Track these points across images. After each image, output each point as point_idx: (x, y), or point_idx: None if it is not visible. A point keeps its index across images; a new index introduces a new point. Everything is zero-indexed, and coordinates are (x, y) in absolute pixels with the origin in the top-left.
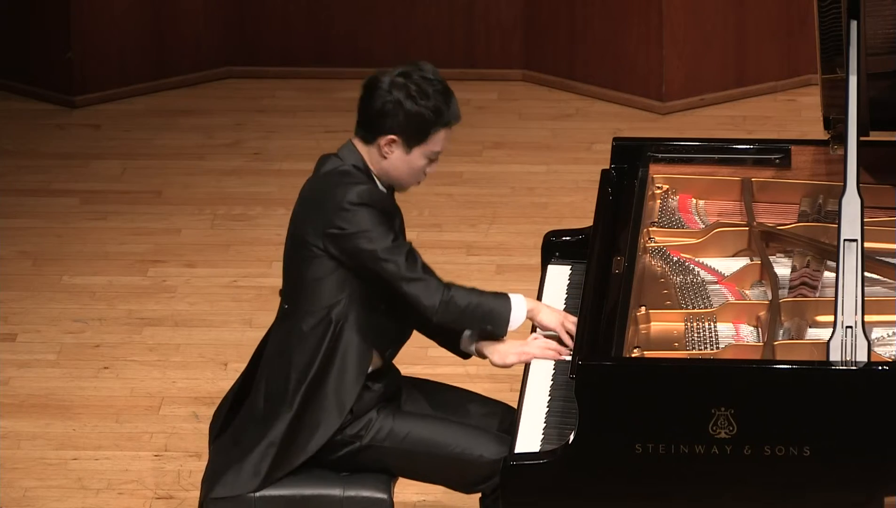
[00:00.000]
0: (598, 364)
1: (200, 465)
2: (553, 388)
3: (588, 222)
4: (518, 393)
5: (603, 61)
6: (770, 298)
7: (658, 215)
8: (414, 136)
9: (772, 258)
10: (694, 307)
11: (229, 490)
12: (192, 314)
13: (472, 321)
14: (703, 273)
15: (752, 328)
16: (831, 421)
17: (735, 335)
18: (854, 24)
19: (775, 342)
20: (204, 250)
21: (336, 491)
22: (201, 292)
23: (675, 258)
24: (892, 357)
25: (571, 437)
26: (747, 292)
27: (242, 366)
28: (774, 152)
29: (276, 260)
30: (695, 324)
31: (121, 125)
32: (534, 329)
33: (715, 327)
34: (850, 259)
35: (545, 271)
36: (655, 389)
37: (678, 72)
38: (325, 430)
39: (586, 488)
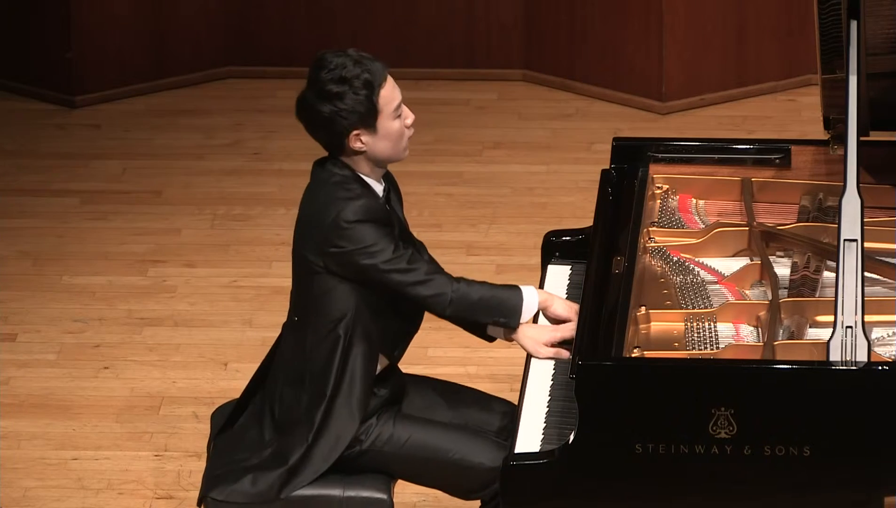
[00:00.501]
0: (598, 364)
1: (200, 465)
2: (553, 388)
3: (588, 222)
4: (518, 393)
5: (603, 61)
6: (770, 298)
7: (658, 215)
8: (367, 117)
9: (772, 258)
10: (694, 307)
11: (239, 497)
12: (192, 314)
13: (485, 314)
14: (703, 273)
15: (752, 328)
16: (831, 421)
17: (735, 335)
18: (854, 24)
19: (775, 342)
20: (204, 250)
21: (336, 491)
22: (201, 292)
23: (675, 258)
24: (892, 357)
25: (571, 437)
26: (747, 292)
27: (242, 366)
28: (774, 152)
29: (276, 260)
30: (695, 324)
31: (121, 125)
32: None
33: (715, 327)
34: (850, 259)
35: (545, 271)
36: (655, 389)
37: (678, 72)
38: (341, 443)
39: (586, 488)
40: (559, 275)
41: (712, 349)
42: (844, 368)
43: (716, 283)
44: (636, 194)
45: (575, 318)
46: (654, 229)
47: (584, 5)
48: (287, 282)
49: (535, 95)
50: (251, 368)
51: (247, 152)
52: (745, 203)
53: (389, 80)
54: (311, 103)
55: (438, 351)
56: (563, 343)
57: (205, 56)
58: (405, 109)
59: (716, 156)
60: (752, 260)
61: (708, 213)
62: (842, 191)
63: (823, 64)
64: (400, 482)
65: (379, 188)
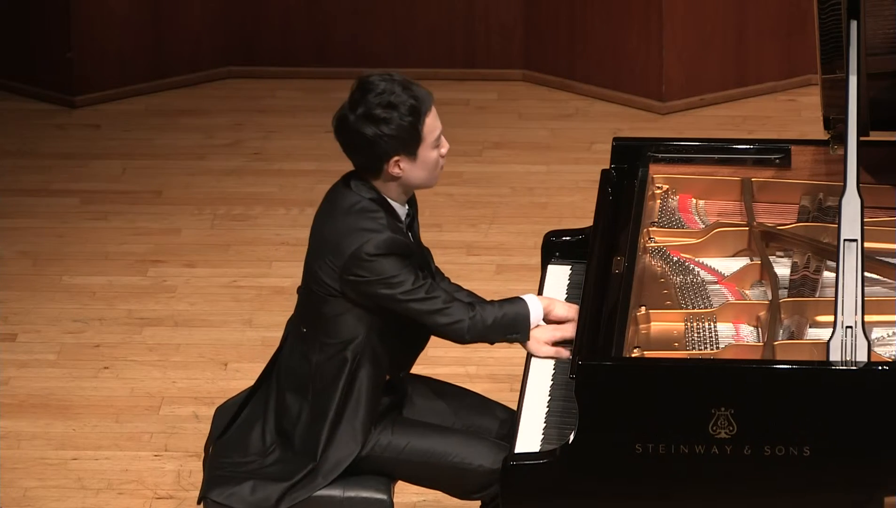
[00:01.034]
0: (598, 364)
1: (200, 465)
2: (553, 388)
3: (588, 222)
4: (518, 393)
5: (603, 61)
6: (770, 298)
7: (658, 215)
8: (410, 144)
9: (772, 258)
10: (694, 307)
11: (238, 503)
12: (192, 314)
13: (499, 333)
14: (703, 273)
15: (752, 328)
16: (831, 421)
17: (735, 335)
18: (854, 24)
19: (775, 342)
20: (204, 250)
21: (336, 492)
22: (201, 292)
23: (675, 258)
24: (892, 357)
25: (571, 437)
26: (747, 292)
27: (242, 366)
28: (774, 152)
29: (276, 260)
30: (695, 324)
31: (121, 125)
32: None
33: (715, 327)
34: (850, 259)
35: (545, 271)
36: (655, 389)
37: (678, 72)
38: (343, 464)
39: (586, 488)
40: (559, 275)
41: (712, 349)
42: (844, 368)
43: (716, 283)
44: (636, 194)
45: (575, 317)
46: (654, 229)
47: (584, 5)
48: (287, 282)
49: (535, 95)
50: (251, 368)
51: (247, 152)
52: (745, 203)
53: (433, 108)
54: (354, 125)
55: (438, 351)
56: (563, 342)
57: (205, 56)
58: (443, 139)
59: (716, 156)
60: (752, 260)
61: (708, 213)
62: (842, 191)
63: (823, 64)
64: (400, 482)
65: (402, 212)
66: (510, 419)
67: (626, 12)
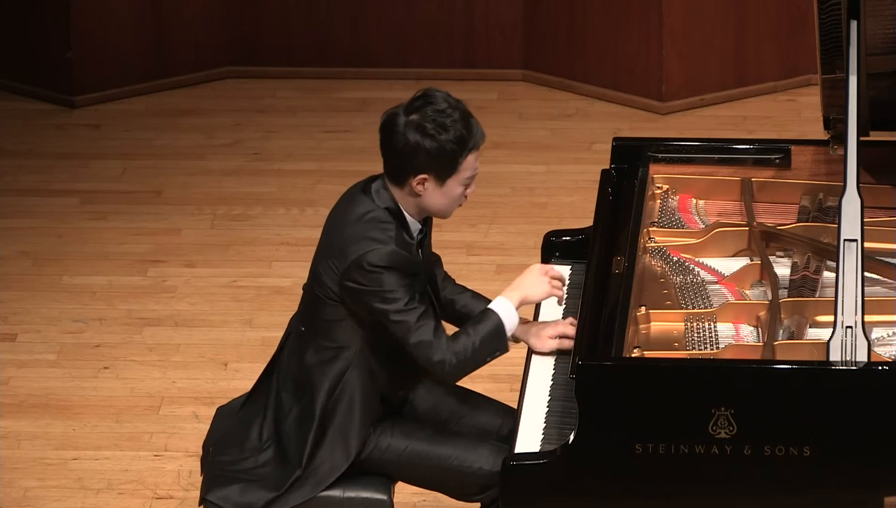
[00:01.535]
0: (598, 364)
1: (200, 465)
2: (553, 388)
3: (588, 222)
4: (518, 393)
5: (603, 61)
6: (770, 298)
7: (658, 215)
8: (444, 170)
9: (772, 258)
10: (694, 307)
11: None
12: (192, 314)
13: (482, 359)
14: (703, 273)
15: (752, 328)
16: (831, 421)
17: (735, 335)
18: (854, 24)
19: (775, 342)
20: (204, 250)
21: (336, 492)
22: (201, 292)
23: (675, 258)
24: (892, 357)
25: (571, 437)
26: (747, 292)
27: (242, 366)
28: (774, 152)
29: (276, 260)
30: (695, 324)
31: (121, 125)
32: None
33: (715, 327)
34: (850, 259)
35: None
36: (655, 389)
37: (678, 72)
38: (333, 474)
39: (586, 488)
40: None
41: (712, 349)
42: (844, 368)
43: (716, 283)
44: (636, 194)
45: (553, 293)
46: (654, 229)
47: (584, 5)
48: (287, 282)
49: (535, 95)
50: (251, 368)
51: (247, 152)
52: (745, 203)
53: (478, 154)
54: (402, 128)
55: None
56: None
57: (205, 56)
58: (473, 183)
59: (716, 156)
60: (752, 260)
61: (708, 213)
62: (842, 191)
63: (823, 64)
64: (400, 482)
65: (415, 228)
66: (510, 419)
67: (626, 12)
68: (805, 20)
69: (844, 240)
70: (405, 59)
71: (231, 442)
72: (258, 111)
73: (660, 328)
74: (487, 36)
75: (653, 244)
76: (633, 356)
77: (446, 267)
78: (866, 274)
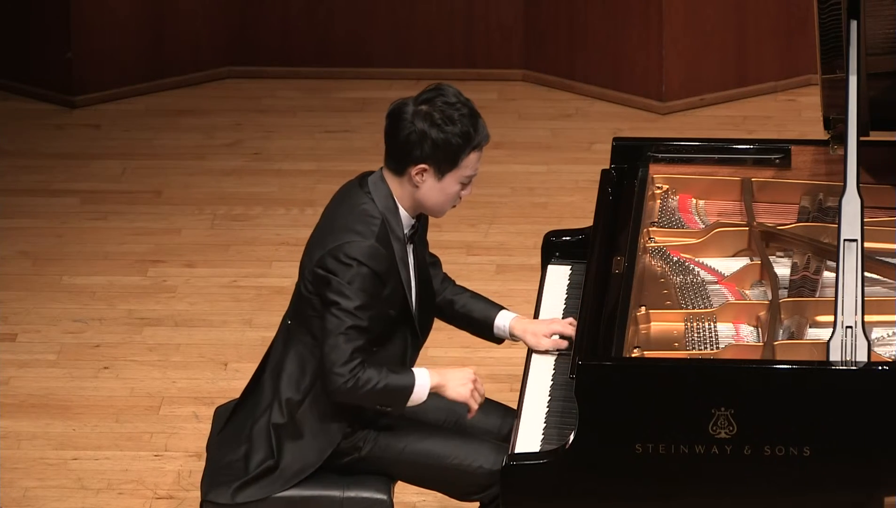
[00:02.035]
0: (598, 364)
1: (200, 465)
2: (553, 388)
3: (588, 222)
4: (518, 393)
5: (603, 61)
6: (770, 298)
7: (658, 215)
8: (444, 163)
9: (772, 258)
10: (694, 307)
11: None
12: (192, 314)
13: (372, 402)
14: (703, 273)
15: (752, 328)
16: (831, 421)
17: (735, 335)
18: (854, 24)
19: (775, 342)
20: (204, 250)
21: (336, 492)
22: (201, 292)
23: (675, 258)
24: (892, 357)
25: (571, 437)
26: (747, 292)
27: (242, 366)
28: (774, 152)
29: (276, 260)
30: (695, 324)
31: (121, 125)
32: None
33: (715, 327)
34: (850, 259)
35: (545, 271)
36: (655, 389)
37: (678, 72)
38: (305, 471)
39: (586, 488)
40: (559, 275)
41: (712, 349)
42: (844, 368)
43: (716, 283)
44: (636, 194)
45: (470, 399)
46: (654, 229)
47: (584, 5)
48: (287, 282)
49: (535, 95)
50: (251, 368)
51: (247, 152)
52: (745, 203)
53: (480, 154)
54: (409, 115)
55: (438, 351)
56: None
57: (205, 56)
58: (470, 184)
59: (716, 156)
60: (752, 260)
61: (708, 213)
62: (842, 191)
63: (823, 64)
64: (400, 482)
65: (408, 223)
66: (510, 420)
67: (626, 12)
68: (805, 20)
69: (844, 240)
70: (405, 59)
71: (225, 441)
72: (258, 111)
73: (660, 328)
74: (487, 36)
75: (653, 244)
76: (633, 356)
77: (446, 267)
78: (866, 274)
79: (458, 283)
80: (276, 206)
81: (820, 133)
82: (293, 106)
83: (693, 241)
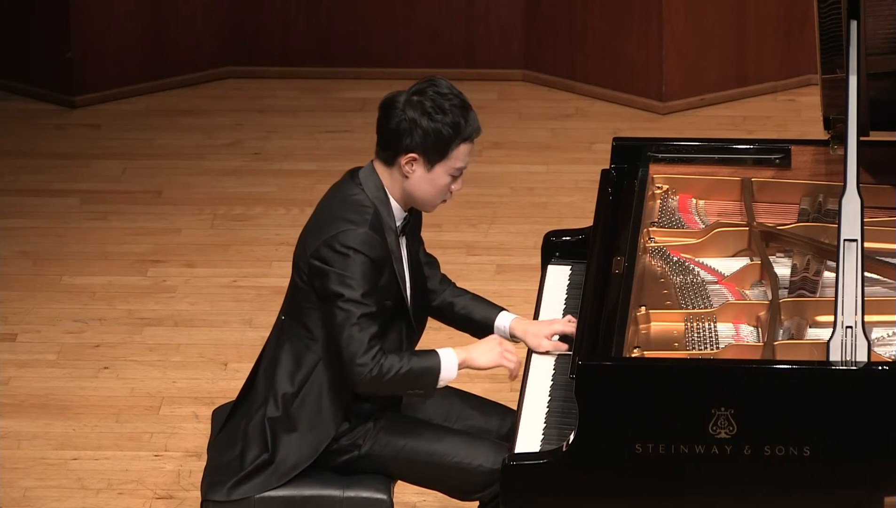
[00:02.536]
0: (598, 364)
1: (200, 465)
2: (553, 388)
3: (588, 222)
4: (518, 393)
5: (603, 61)
6: (770, 298)
7: (658, 215)
8: (434, 152)
9: (772, 258)
10: (694, 307)
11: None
12: (192, 314)
13: (401, 388)
14: (703, 273)
15: (752, 328)
16: (831, 421)
17: (735, 335)
18: (854, 24)
19: (775, 342)
20: (204, 250)
21: (336, 492)
22: (201, 292)
23: (675, 258)
24: (892, 357)
25: (571, 437)
26: (747, 292)
27: (242, 366)
28: (774, 152)
29: (276, 260)
30: (695, 324)
31: (121, 125)
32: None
33: (715, 327)
34: (850, 259)
35: (545, 271)
36: (655, 389)
37: (678, 72)
38: (299, 467)
39: (586, 488)
40: (559, 275)
41: (712, 349)
42: (844, 368)
43: (716, 283)
44: (636, 194)
45: (500, 360)
46: (654, 229)
47: (584, 5)
48: (287, 282)
49: (535, 95)
50: (251, 368)
51: (247, 152)
52: (745, 203)
53: (472, 145)
54: (402, 104)
55: None
56: (562, 338)
57: (205, 56)
58: (461, 179)
59: (716, 156)
60: (752, 260)
61: (708, 213)
62: (842, 191)
63: (823, 64)
64: (400, 482)
65: (400, 216)
66: (510, 419)
67: (626, 12)
68: (805, 20)
69: (844, 240)
70: (405, 59)
71: (223, 442)
72: (258, 111)
73: (660, 327)
74: (487, 36)
75: (653, 244)
76: (633, 356)
77: (446, 267)
78: (866, 274)
79: (458, 285)
80: (276, 206)
81: (820, 133)
82: (293, 106)
83: (693, 241)
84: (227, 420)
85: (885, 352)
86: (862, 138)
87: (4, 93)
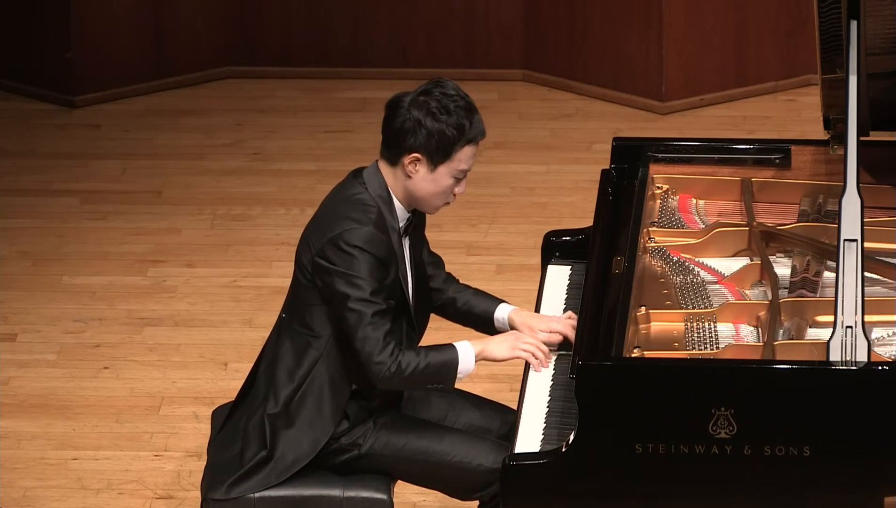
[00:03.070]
0: (598, 364)
1: (200, 465)
2: (553, 388)
3: (588, 222)
4: (518, 393)
5: (603, 61)
6: (770, 298)
7: (658, 215)
8: (438, 153)
9: (772, 258)
10: (694, 307)
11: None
12: (192, 314)
13: (421, 384)
14: (703, 273)
15: (752, 328)
16: (831, 421)
17: (735, 335)
18: (854, 24)
19: (775, 342)
20: (204, 250)
21: (336, 492)
22: (201, 292)
23: (675, 258)
24: (892, 357)
25: (571, 437)
26: (747, 292)
27: (242, 366)
28: (774, 152)
29: (276, 260)
30: (695, 324)
31: (121, 125)
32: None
33: (715, 327)
34: (850, 259)
35: (545, 271)
36: (655, 389)
37: (678, 72)
38: (298, 464)
39: (586, 488)
40: (559, 275)
41: (712, 349)
42: (844, 368)
43: (716, 283)
44: (636, 194)
45: (514, 353)
46: (654, 229)
47: (584, 5)
48: (287, 282)
49: (535, 95)
50: (251, 368)
51: (247, 152)
52: (745, 203)
53: (476, 147)
54: (407, 103)
55: None
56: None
57: (205, 56)
58: (464, 181)
59: (716, 156)
60: (752, 260)
61: (708, 213)
62: (842, 191)
63: (823, 64)
64: (400, 482)
65: (403, 216)
66: (510, 419)
67: (626, 12)
68: (805, 20)
69: (844, 240)
70: (405, 59)
71: (222, 441)
72: (258, 111)
73: (660, 328)
74: (487, 36)
75: (653, 244)
76: (633, 356)
77: (446, 267)
78: (866, 274)
79: (461, 282)
80: (276, 206)
81: (820, 133)
82: (293, 106)
83: (693, 241)
84: (227, 419)
85: (885, 352)
86: (862, 138)
87: (4, 93)
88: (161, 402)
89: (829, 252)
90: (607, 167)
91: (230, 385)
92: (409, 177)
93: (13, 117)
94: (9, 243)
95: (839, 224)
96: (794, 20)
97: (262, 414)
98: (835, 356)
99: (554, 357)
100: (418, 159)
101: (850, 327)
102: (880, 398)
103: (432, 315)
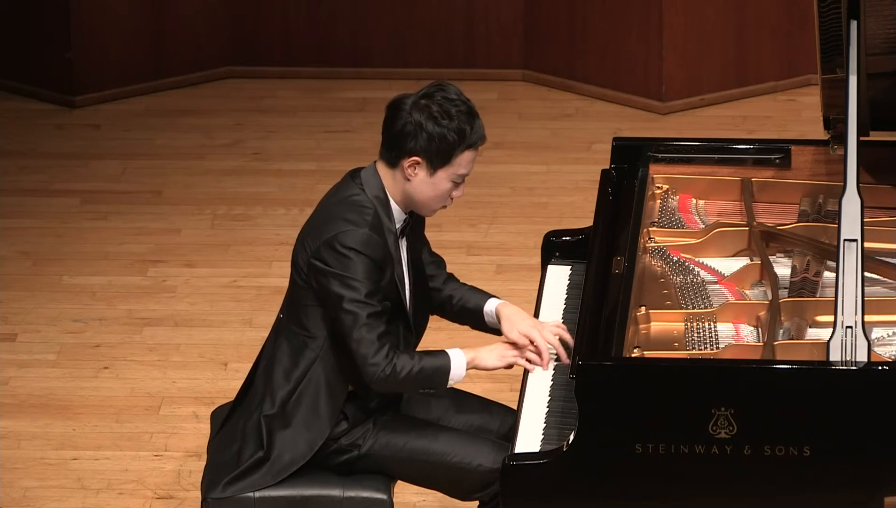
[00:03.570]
0: (598, 364)
1: (200, 465)
2: (553, 388)
3: (588, 222)
4: (518, 393)
5: (603, 61)
6: (770, 298)
7: (658, 215)
8: (437, 157)
9: (772, 258)
10: (694, 307)
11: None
12: (192, 314)
13: (413, 387)
14: (703, 273)
15: (752, 328)
16: (831, 421)
17: (735, 335)
18: (854, 24)
19: (775, 342)
20: (204, 250)
21: (336, 492)
22: (201, 292)
23: (675, 258)
24: (892, 357)
25: (571, 437)
26: (747, 292)
27: (242, 366)
28: (774, 152)
29: (276, 260)
30: (695, 324)
31: (121, 125)
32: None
33: (715, 327)
34: (850, 259)
35: (545, 271)
36: (655, 389)
37: (678, 72)
38: (294, 465)
39: (586, 488)
40: (559, 275)
41: (712, 349)
42: (844, 368)
43: (716, 283)
44: (636, 194)
45: (505, 362)
46: (654, 229)
47: (584, 5)
48: (287, 282)
49: (535, 95)
50: (250, 368)
51: (247, 152)
52: (745, 203)
53: (476, 152)
54: (409, 106)
55: None
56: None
57: (205, 56)
58: (463, 186)
59: (716, 156)
60: (752, 260)
61: (708, 213)
62: (842, 191)
63: (823, 64)
64: (400, 482)
65: (400, 218)
66: (510, 419)
67: (626, 12)
68: (805, 20)
69: (844, 240)
70: (405, 59)
71: (221, 442)
72: (258, 111)
73: (660, 328)
74: (487, 36)
75: (653, 244)
76: (633, 356)
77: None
78: (866, 274)
79: (462, 282)
80: (276, 206)
81: (820, 133)
82: (293, 106)
83: (693, 241)
84: (227, 419)
85: (885, 352)
86: (862, 138)
87: (4, 93)
88: (161, 402)
89: (829, 252)
90: (607, 167)
91: (230, 385)
92: (408, 180)
93: (13, 117)
94: (9, 243)
95: (839, 224)
96: (794, 20)
97: (259, 415)
98: (835, 356)
99: (554, 358)
100: (418, 163)
101: (850, 327)
102: (880, 398)
103: (432, 315)
